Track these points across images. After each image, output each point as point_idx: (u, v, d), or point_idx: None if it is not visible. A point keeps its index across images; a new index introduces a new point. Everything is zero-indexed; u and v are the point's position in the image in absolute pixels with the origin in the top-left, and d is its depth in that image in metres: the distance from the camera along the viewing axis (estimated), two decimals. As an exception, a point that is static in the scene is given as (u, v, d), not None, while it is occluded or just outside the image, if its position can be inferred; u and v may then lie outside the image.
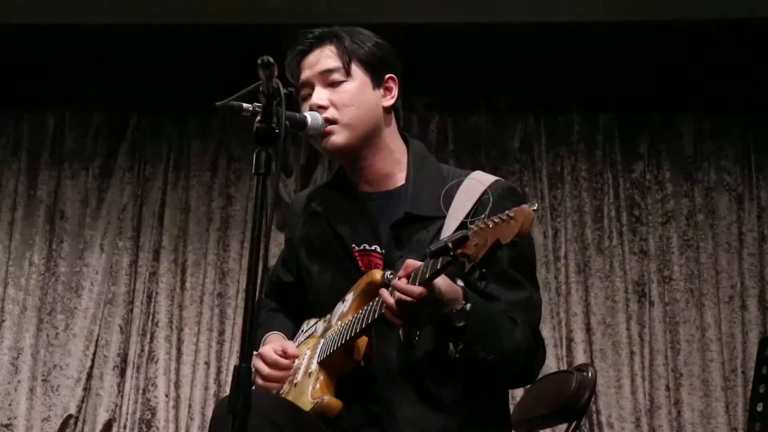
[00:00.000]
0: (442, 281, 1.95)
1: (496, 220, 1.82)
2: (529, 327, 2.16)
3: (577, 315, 5.12)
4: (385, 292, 1.99)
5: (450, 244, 1.85)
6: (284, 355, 2.30)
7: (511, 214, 1.80)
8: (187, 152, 5.55)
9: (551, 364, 4.91)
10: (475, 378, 2.16)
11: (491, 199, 2.13)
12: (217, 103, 1.99)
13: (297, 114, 2.17)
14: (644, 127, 5.39)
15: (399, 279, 1.97)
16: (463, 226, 2.05)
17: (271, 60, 1.84)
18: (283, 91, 1.88)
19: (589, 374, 2.52)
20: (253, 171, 1.87)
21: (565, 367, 4.88)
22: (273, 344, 2.35)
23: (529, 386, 2.75)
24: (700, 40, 4.86)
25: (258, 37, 4.55)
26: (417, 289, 1.93)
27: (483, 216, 1.87)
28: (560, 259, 5.22)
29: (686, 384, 5.03)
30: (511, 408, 2.48)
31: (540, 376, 2.39)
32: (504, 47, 4.99)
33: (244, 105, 1.97)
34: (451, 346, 2.01)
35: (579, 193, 5.34)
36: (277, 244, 4.35)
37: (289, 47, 2.35)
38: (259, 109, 1.91)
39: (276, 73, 1.86)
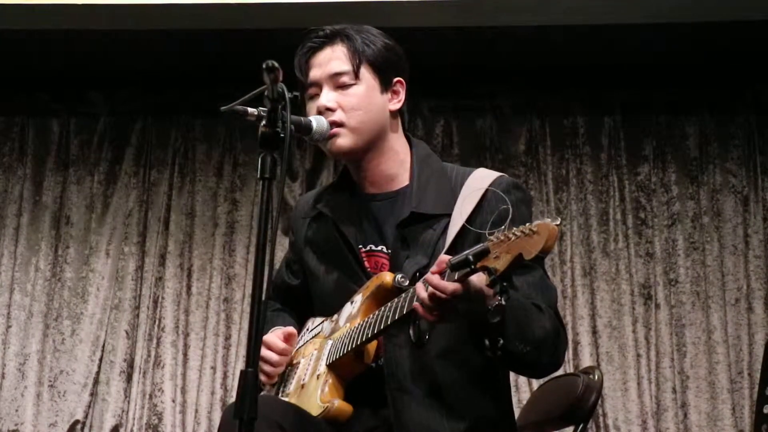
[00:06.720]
0: (476, 278, 1.92)
1: (518, 234, 1.79)
2: (552, 309, 2.15)
3: (584, 318, 5.12)
4: (420, 286, 1.97)
5: (471, 257, 1.85)
6: (284, 338, 2.34)
7: (534, 228, 1.77)
8: (193, 157, 5.55)
9: (558, 368, 4.90)
10: (488, 379, 2.17)
11: (510, 208, 2.05)
12: (222, 108, 1.99)
13: (302, 118, 2.17)
14: (649, 129, 5.38)
15: (432, 274, 1.95)
16: (468, 231, 2.06)
17: (276, 64, 1.84)
18: (287, 95, 1.88)
19: (596, 377, 2.52)
20: (259, 175, 1.87)
21: (572, 370, 4.87)
22: (275, 332, 2.39)
23: (535, 389, 2.74)
24: (704, 42, 4.85)
25: (263, 41, 4.59)
26: (451, 285, 1.91)
27: (503, 228, 1.84)
28: (566, 262, 5.21)
29: (693, 386, 5.02)
30: (517, 411, 2.48)
31: (546, 379, 2.38)
32: (509, 50, 4.99)
33: (249, 109, 1.97)
34: (487, 342, 1.99)
35: (584, 196, 5.33)
36: (282, 249, 4.35)
37: (299, 44, 2.34)
38: (264, 114, 1.91)
39: (281, 78, 1.87)
